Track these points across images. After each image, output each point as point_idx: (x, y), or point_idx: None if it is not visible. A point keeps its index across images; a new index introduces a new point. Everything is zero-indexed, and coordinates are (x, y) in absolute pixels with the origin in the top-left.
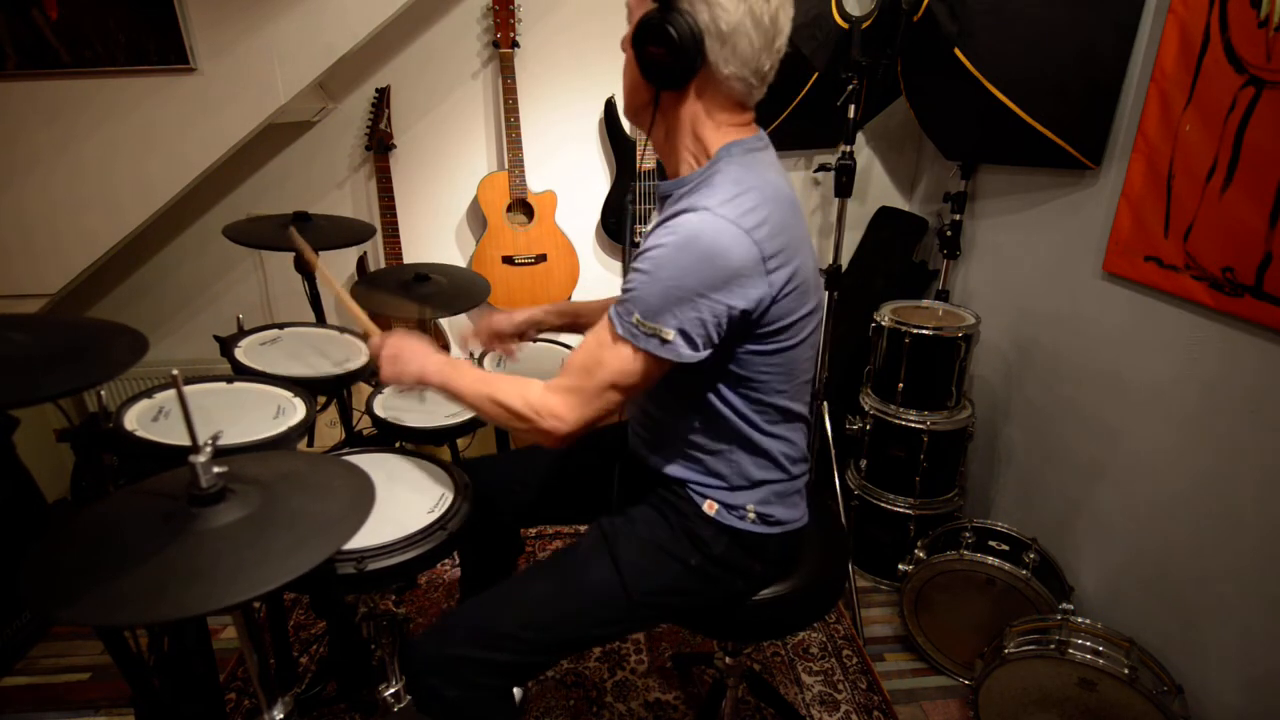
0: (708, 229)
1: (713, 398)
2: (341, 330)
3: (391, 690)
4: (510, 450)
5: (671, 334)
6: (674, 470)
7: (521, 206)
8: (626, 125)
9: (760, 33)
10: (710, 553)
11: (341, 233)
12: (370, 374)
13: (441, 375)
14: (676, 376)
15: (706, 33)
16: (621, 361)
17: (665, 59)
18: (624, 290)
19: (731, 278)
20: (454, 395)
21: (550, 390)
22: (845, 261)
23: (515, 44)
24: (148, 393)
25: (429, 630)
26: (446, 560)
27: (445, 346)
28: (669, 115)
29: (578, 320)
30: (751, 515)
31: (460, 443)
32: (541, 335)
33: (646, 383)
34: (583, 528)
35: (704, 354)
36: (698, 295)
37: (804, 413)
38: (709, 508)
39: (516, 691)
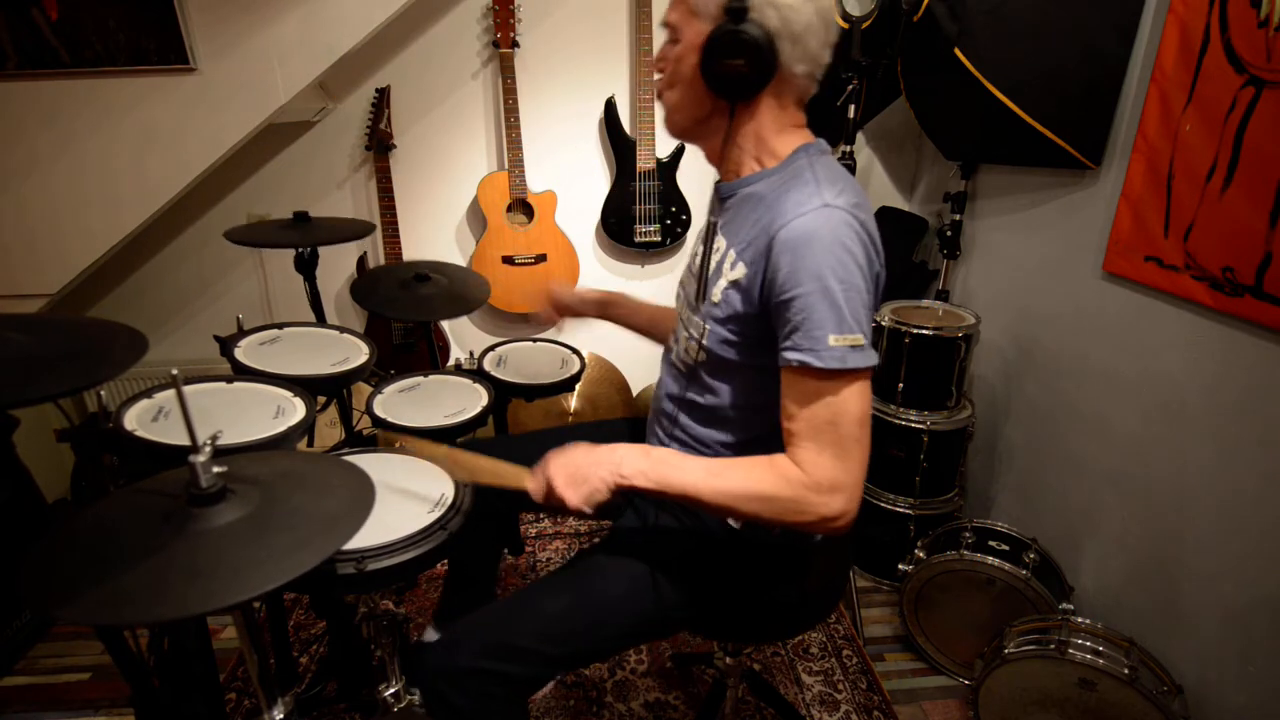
0: (839, 221)
1: (768, 410)
2: (341, 330)
3: (391, 690)
4: (507, 435)
5: (863, 339)
6: None
7: (521, 206)
8: (627, 125)
9: (824, 27)
10: (732, 566)
11: (341, 232)
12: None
13: (650, 475)
14: (739, 388)
15: (778, 36)
16: (853, 395)
17: (742, 70)
18: (792, 324)
19: (870, 262)
20: (681, 497)
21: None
22: None
23: (515, 44)
24: (148, 393)
25: (439, 641)
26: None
27: (445, 347)
28: (734, 124)
29: (657, 326)
30: (776, 529)
31: (460, 442)
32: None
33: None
34: (577, 522)
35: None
36: (860, 289)
37: None
38: (735, 522)
39: None
